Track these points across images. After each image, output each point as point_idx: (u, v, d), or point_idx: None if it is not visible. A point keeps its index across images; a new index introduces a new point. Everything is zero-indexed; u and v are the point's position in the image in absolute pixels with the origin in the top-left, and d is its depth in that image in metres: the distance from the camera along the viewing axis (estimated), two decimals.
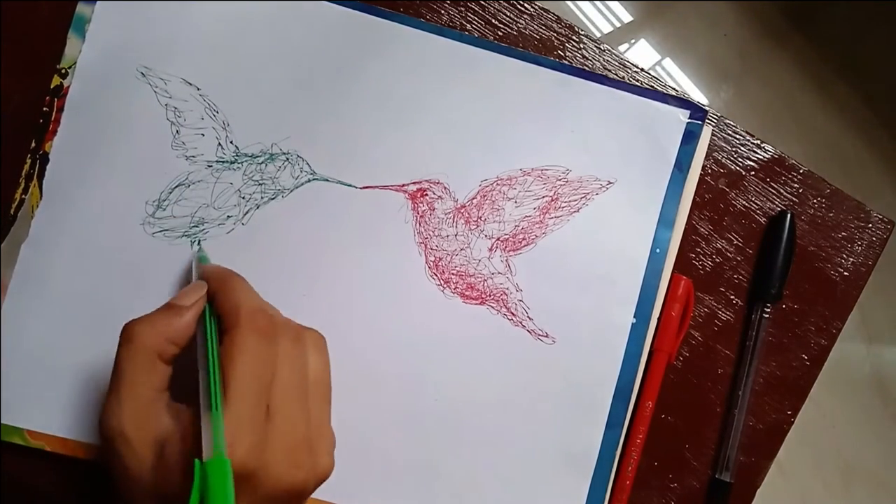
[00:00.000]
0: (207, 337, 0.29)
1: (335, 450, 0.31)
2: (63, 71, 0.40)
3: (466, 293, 0.40)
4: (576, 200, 0.41)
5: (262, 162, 0.40)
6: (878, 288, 1.32)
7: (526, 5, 0.43)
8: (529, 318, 0.40)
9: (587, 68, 0.43)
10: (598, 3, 1.40)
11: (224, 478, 0.24)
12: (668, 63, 1.40)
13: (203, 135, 0.40)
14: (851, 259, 0.43)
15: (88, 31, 0.40)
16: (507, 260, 0.41)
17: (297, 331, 0.31)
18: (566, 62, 0.42)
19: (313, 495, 0.38)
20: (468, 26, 0.42)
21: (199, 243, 0.39)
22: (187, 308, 0.30)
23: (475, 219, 0.41)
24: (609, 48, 0.43)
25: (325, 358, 0.31)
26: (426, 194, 0.41)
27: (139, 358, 0.28)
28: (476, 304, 0.40)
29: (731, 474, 0.41)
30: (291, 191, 0.40)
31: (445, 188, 0.41)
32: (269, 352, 0.28)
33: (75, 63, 0.40)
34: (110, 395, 0.28)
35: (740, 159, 0.43)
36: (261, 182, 0.40)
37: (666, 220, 0.41)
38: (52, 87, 0.40)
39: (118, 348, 0.29)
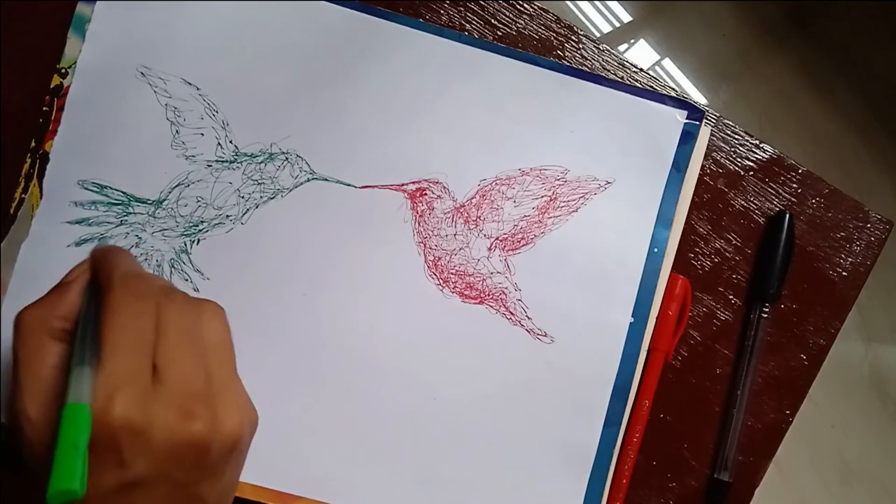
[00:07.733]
0: (84, 303, 0.29)
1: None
2: (63, 71, 0.40)
3: (465, 292, 0.40)
4: (574, 200, 0.41)
5: (262, 161, 0.40)
6: (876, 288, 1.32)
7: (525, 5, 0.43)
8: (528, 318, 0.40)
9: (586, 68, 0.43)
10: (597, 3, 1.40)
11: (76, 423, 0.24)
12: (668, 63, 1.40)
13: (203, 134, 0.40)
14: (850, 259, 0.43)
15: (88, 30, 0.40)
16: (505, 259, 0.41)
17: (189, 299, 0.31)
18: (565, 62, 0.43)
19: (310, 496, 0.39)
20: (468, 26, 0.43)
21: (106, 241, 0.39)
22: (69, 283, 0.31)
23: (474, 218, 0.41)
24: (608, 48, 0.43)
25: (223, 324, 0.31)
26: (425, 194, 0.41)
27: (29, 340, 0.29)
28: (475, 303, 0.40)
29: (729, 474, 0.41)
30: (291, 190, 0.40)
31: (444, 188, 0.41)
32: (147, 312, 0.28)
33: (75, 63, 0.40)
34: (13, 379, 0.29)
35: (739, 159, 0.43)
36: (260, 182, 0.40)
37: (664, 220, 0.41)
38: (52, 86, 0.40)
39: (12, 337, 0.30)
